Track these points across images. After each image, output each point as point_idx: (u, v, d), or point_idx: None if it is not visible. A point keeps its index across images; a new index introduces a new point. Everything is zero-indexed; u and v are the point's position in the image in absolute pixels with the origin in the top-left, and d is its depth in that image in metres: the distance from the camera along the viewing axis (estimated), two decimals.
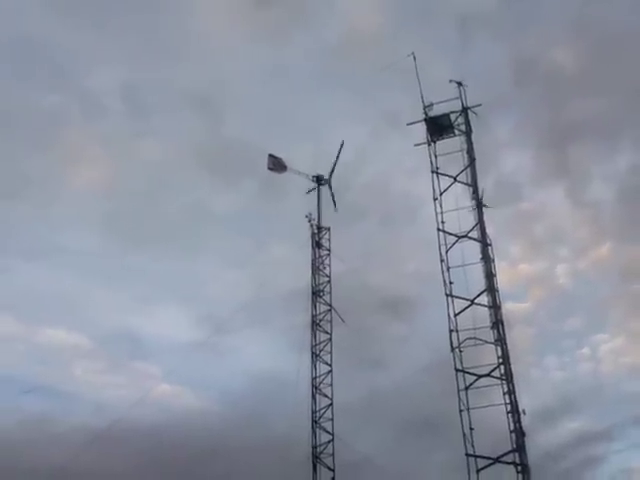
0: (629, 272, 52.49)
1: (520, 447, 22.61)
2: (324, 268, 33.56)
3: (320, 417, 30.70)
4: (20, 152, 50.68)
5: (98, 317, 49.28)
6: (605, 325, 56.37)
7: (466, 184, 26.78)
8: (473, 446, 22.98)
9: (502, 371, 23.83)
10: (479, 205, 26.19)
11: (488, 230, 26.10)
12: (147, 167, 53.78)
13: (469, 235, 26.02)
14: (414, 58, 27.97)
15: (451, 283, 25.61)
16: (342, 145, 34.88)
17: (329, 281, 33.41)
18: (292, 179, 35.61)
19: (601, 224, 54.66)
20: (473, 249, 25.96)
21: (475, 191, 26.47)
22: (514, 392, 23.49)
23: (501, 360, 23.96)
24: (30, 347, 47.62)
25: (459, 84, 27.72)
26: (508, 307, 26.10)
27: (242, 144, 47.49)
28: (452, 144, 27.85)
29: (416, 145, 28.09)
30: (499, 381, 23.72)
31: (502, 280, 25.96)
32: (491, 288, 25.06)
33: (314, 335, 32.18)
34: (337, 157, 34.89)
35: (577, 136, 52.78)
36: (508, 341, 24.42)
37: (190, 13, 56.34)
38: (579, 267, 55.49)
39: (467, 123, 27.57)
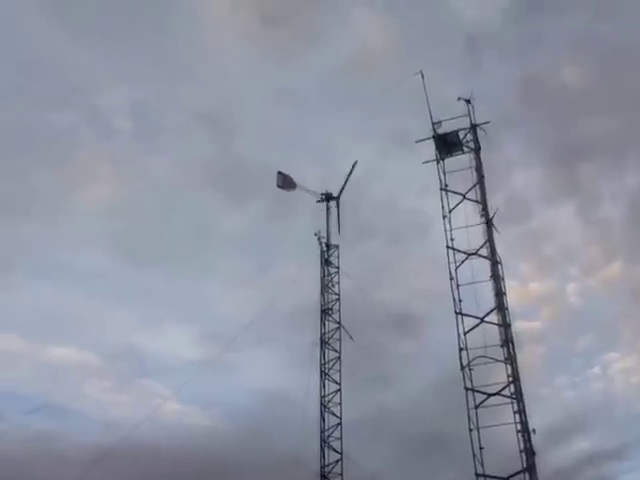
0: None
1: (530, 467, 22.36)
2: (333, 286, 33.47)
3: (329, 436, 30.53)
4: (30, 170, 50.75)
5: (106, 336, 49.17)
6: (616, 344, 55.88)
7: (475, 201, 26.74)
8: (483, 466, 22.71)
9: (512, 390, 23.67)
10: (488, 223, 26.14)
11: (498, 248, 26.01)
12: (156, 186, 53.83)
13: (479, 253, 25.94)
14: (422, 76, 28.07)
15: (460, 301, 25.53)
16: (355, 165, 34.85)
17: (338, 299, 33.28)
18: (300, 198, 35.63)
19: (611, 242, 54.46)
20: (483, 267, 25.87)
21: (484, 208, 26.42)
22: (524, 411, 23.28)
23: (511, 379, 23.80)
24: (37, 365, 47.51)
25: (467, 101, 27.78)
26: (518, 326, 26.00)
27: (251, 163, 47.60)
28: (461, 162, 27.92)
29: (425, 162, 28.11)
30: (509, 400, 23.57)
31: (512, 299, 25.87)
32: (501, 306, 24.93)
33: (323, 353, 32.07)
34: (349, 175, 34.84)
35: (586, 154, 52.74)
36: (518, 360, 24.30)
37: (199, 33, 56.66)
38: (589, 286, 55.23)
39: (476, 140, 27.58)
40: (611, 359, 54.91)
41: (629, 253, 53.92)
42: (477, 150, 27.58)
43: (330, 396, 31.24)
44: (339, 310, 33.03)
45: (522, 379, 23.98)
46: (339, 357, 32.07)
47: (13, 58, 50.85)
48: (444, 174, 27.75)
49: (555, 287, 54.59)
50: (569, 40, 55.54)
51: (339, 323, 32.61)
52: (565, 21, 55.05)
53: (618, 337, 55.44)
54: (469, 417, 23.53)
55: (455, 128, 27.97)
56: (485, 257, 25.84)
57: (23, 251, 49.17)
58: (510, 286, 26.20)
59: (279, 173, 34.30)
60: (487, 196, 26.81)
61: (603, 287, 54.64)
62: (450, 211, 26.98)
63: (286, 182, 34.17)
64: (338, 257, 34.04)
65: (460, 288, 25.72)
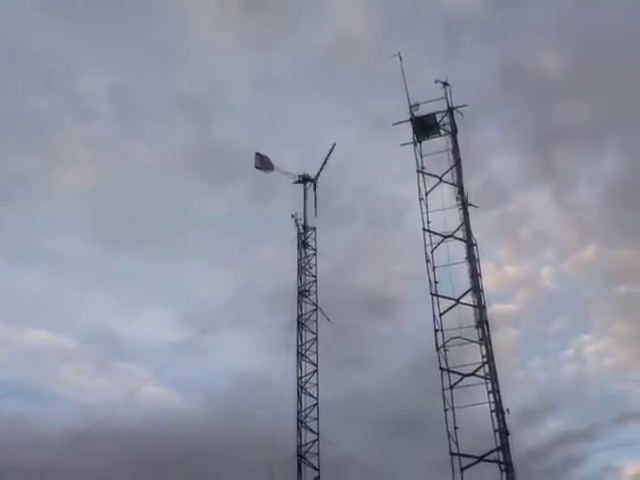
0: (614, 274, 53.04)
1: (504, 446, 22.62)
2: (310, 268, 33.59)
3: (306, 417, 30.71)
4: (9, 154, 50.43)
5: (84, 319, 49.22)
6: (590, 327, 56.82)
7: (452, 184, 26.88)
8: (457, 445, 22.97)
9: (486, 370, 23.90)
10: (464, 205, 26.29)
11: (475, 232, 26.22)
12: (136, 170, 53.69)
13: (454, 235, 26.10)
14: (400, 58, 28.13)
15: (436, 283, 25.69)
16: (333, 147, 34.92)
17: (315, 281, 33.44)
18: (280, 182, 35.68)
19: (586, 227, 55.07)
20: (459, 250, 26.06)
21: (460, 191, 26.57)
22: (498, 391, 23.53)
23: (485, 359, 24.03)
24: (14, 349, 47.36)
25: (445, 84, 27.83)
26: (494, 309, 26.27)
27: (231, 147, 47.48)
28: (438, 145, 28.02)
29: (402, 145, 28.19)
30: (483, 380, 23.79)
31: (488, 282, 26.13)
32: (476, 288, 25.14)
33: (300, 335, 32.22)
34: (327, 158, 34.89)
35: (563, 139, 53.24)
36: (493, 342, 24.51)
37: (180, 18, 56.42)
38: (564, 269, 55.87)
39: (452, 123, 27.69)
40: (585, 341, 55.68)
41: (604, 237, 54.74)
42: (454, 133, 27.70)
43: (307, 377, 31.46)
44: (316, 292, 33.20)
45: (497, 361, 24.25)
46: (316, 338, 32.26)
47: None
48: (421, 157, 27.88)
49: (530, 271, 55.03)
50: (549, 26, 55.90)
51: (316, 305, 32.75)
52: (545, 7, 55.25)
53: (592, 320, 56.36)
54: (444, 397, 23.76)
55: (433, 111, 28.11)
56: (461, 239, 26.02)
57: (2, 235, 48.97)
58: (486, 269, 26.54)
59: (257, 154, 34.31)
60: (464, 180, 26.97)
61: (578, 271, 55.39)
62: (427, 193, 27.11)
63: (264, 163, 34.16)
64: (315, 239, 34.19)
65: (436, 270, 25.89)
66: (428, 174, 27.37)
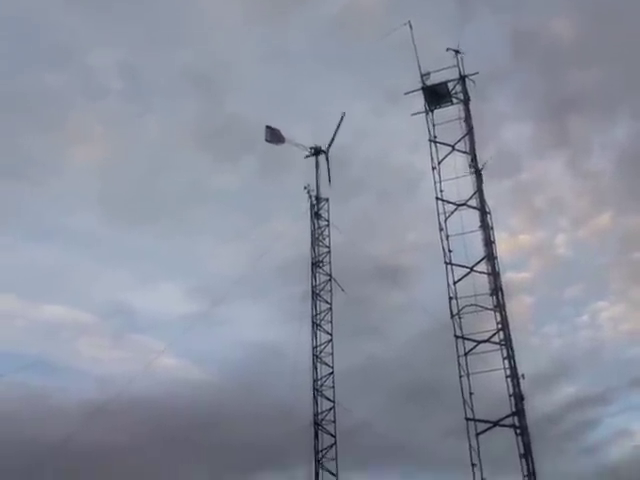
0: (629, 241, 52.85)
1: (519, 411, 22.83)
2: (323, 239, 33.64)
3: (322, 385, 30.96)
4: (21, 131, 50.64)
5: (98, 293, 49.99)
6: (605, 293, 56.99)
7: (464, 152, 26.84)
8: (473, 410, 23.20)
9: (501, 337, 24.04)
10: (477, 173, 26.27)
11: (488, 201, 26.25)
12: (147, 146, 53.85)
13: (468, 203, 26.12)
14: (410, 27, 28.01)
15: (450, 251, 25.77)
16: (343, 116, 34.74)
17: (329, 252, 33.47)
18: (291, 155, 35.62)
19: (601, 193, 55.01)
20: (473, 218, 26.07)
21: (474, 159, 26.54)
22: (513, 357, 23.69)
23: (500, 326, 24.15)
24: (32, 323, 47.91)
25: (456, 52, 27.70)
26: (508, 277, 26.34)
27: (242, 122, 47.44)
28: (451, 114, 27.94)
29: (413, 114, 28.14)
30: (498, 347, 23.93)
31: (502, 250, 26.19)
32: (490, 255, 25.20)
33: (314, 305, 32.39)
34: (338, 127, 34.72)
35: (576, 106, 52.86)
36: (508, 310, 24.61)
37: None
38: (579, 236, 55.82)
39: (465, 91, 27.59)
40: (600, 307, 55.83)
41: (618, 204, 54.59)
42: (466, 101, 27.62)
43: (322, 346, 31.64)
44: (330, 262, 33.27)
45: (512, 328, 24.34)
46: (330, 308, 32.39)
47: (3, 20, 50.36)
48: (433, 126, 27.85)
49: (545, 238, 55.10)
50: None
51: (330, 275, 32.86)
52: None
53: (607, 286, 56.40)
54: (459, 364, 23.93)
55: (445, 79, 27.98)
56: (475, 207, 26.02)
57: (17, 213, 49.41)
58: (500, 238, 26.59)
59: (267, 127, 34.18)
60: (477, 148, 26.91)
61: (592, 237, 55.31)
62: (439, 162, 27.08)
63: (274, 136, 34.06)
64: (328, 210, 34.08)
65: (450, 239, 25.96)
66: (440, 143, 27.35)
